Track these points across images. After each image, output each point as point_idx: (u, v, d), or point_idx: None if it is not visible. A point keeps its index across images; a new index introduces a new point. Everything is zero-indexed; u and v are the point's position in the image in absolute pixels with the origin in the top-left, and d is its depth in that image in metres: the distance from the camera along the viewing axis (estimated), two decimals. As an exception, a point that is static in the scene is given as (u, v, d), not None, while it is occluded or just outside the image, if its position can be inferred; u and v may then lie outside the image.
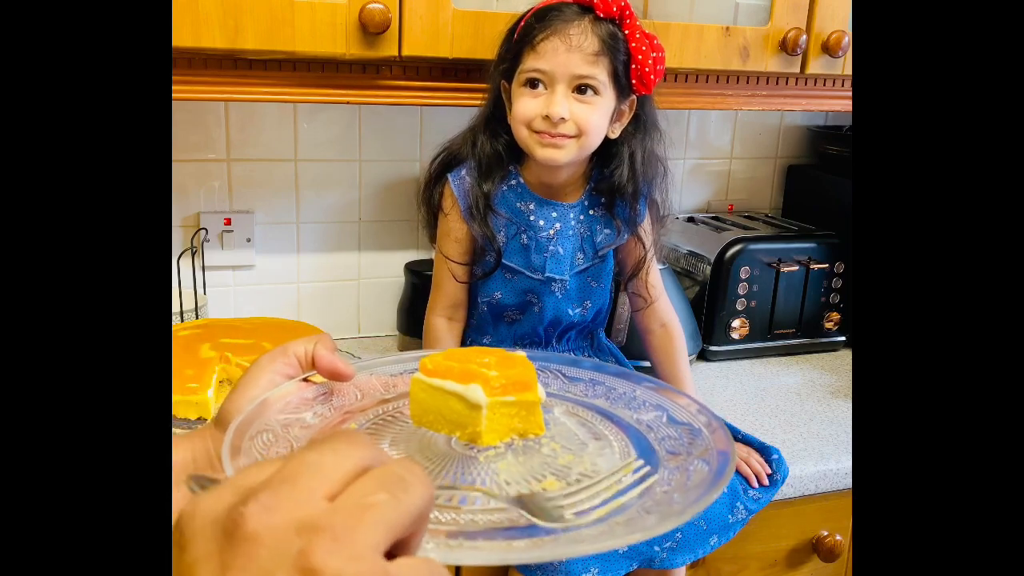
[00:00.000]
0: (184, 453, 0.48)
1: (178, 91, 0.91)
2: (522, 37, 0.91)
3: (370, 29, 0.92)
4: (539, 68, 0.89)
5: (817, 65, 1.15)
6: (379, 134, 1.28)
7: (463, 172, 0.98)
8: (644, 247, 1.02)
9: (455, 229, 0.99)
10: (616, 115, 0.94)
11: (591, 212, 1.00)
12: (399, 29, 0.94)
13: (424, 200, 1.03)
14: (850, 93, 1.20)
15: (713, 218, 1.49)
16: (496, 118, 0.97)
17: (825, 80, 1.20)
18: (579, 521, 0.41)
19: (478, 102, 1.01)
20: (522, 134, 0.92)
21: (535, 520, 0.41)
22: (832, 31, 1.13)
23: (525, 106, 0.91)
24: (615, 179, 0.97)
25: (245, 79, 0.94)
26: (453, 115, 1.06)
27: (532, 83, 0.90)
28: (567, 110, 0.89)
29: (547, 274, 0.98)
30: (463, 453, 0.49)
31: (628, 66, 0.90)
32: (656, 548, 0.84)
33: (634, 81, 0.91)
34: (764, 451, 0.96)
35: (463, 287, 1.01)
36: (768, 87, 1.18)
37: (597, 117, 0.91)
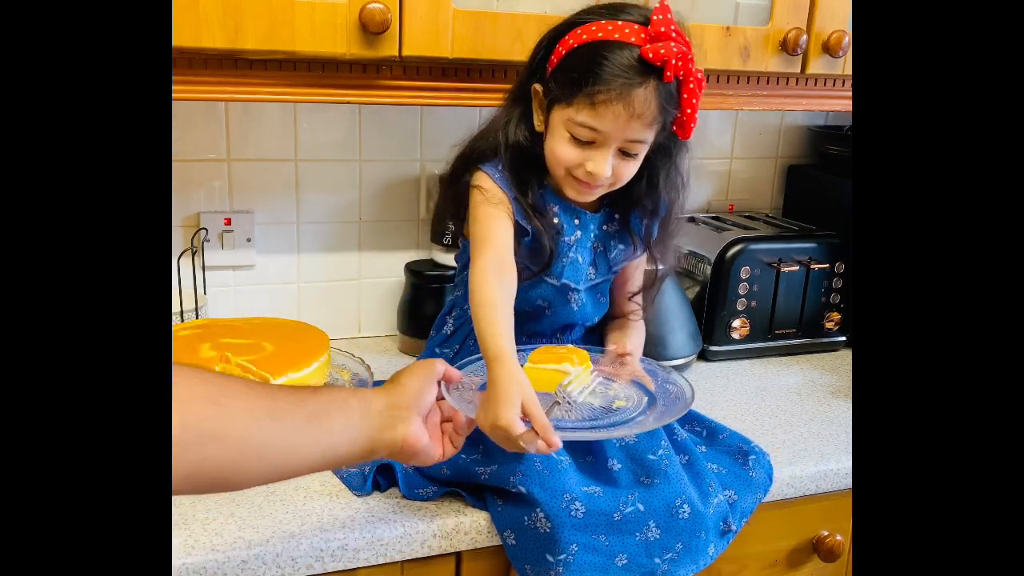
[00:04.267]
0: (382, 399, 0.74)
1: (178, 91, 0.91)
2: (580, 78, 0.85)
3: (370, 29, 0.92)
4: (596, 128, 0.85)
5: (817, 65, 1.15)
6: (379, 134, 1.28)
7: (497, 166, 0.93)
8: (656, 262, 1.01)
9: (501, 206, 0.91)
10: None
11: (605, 228, 0.99)
12: (399, 29, 0.94)
13: (449, 191, 0.98)
14: (850, 93, 1.19)
15: (713, 218, 1.49)
16: (527, 119, 0.93)
17: (825, 80, 1.20)
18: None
19: (479, 102, 1.00)
20: (558, 173, 0.90)
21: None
22: (832, 31, 1.13)
23: (568, 153, 0.88)
24: (634, 193, 0.95)
25: (245, 79, 0.94)
26: (453, 115, 1.06)
27: (581, 136, 0.86)
28: (611, 169, 0.87)
29: (563, 280, 0.97)
30: (563, 397, 0.88)
31: (675, 118, 0.88)
32: (657, 560, 0.84)
33: (675, 128, 0.89)
34: (746, 449, 0.96)
35: (512, 243, 0.91)
36: (768, 87, 1.18)
37: (634, 167, 0.90)
